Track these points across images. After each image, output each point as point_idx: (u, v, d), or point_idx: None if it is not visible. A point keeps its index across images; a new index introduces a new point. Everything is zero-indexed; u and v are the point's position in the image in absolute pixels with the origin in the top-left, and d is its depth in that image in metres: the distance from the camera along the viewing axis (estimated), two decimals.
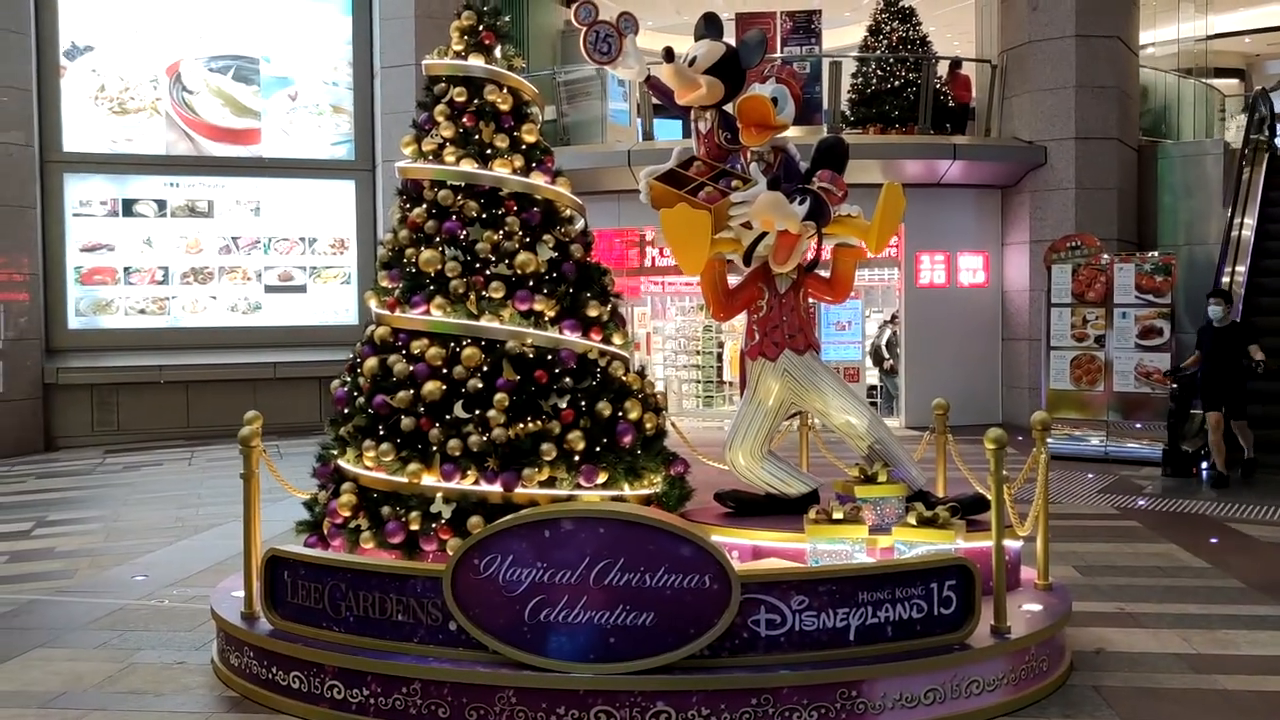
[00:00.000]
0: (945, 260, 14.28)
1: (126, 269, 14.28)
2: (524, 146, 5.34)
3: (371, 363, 5.07)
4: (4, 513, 9.20)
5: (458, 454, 4.79)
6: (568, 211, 5.44)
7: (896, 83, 14.48)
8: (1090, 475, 10.33)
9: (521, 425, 4.85)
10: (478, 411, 4.84)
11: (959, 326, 14.27)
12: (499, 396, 4.81)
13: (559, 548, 4.06)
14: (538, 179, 5.30)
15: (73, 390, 13.65)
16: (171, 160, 14.47)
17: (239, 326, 14.63)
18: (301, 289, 14.94)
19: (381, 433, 4.93)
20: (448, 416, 4.86)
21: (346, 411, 5.16)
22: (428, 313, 5.04)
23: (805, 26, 14.82)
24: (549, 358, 5.00)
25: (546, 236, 5.22)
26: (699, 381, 16.86)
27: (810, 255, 5.19)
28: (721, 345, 16.48)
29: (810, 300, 5.48)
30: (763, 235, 5.12)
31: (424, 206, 5.22)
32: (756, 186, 5.10)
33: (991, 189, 14.37)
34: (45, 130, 13.83)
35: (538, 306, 5.05)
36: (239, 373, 14.08)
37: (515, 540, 4.09)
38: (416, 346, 5.01)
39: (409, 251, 5.21)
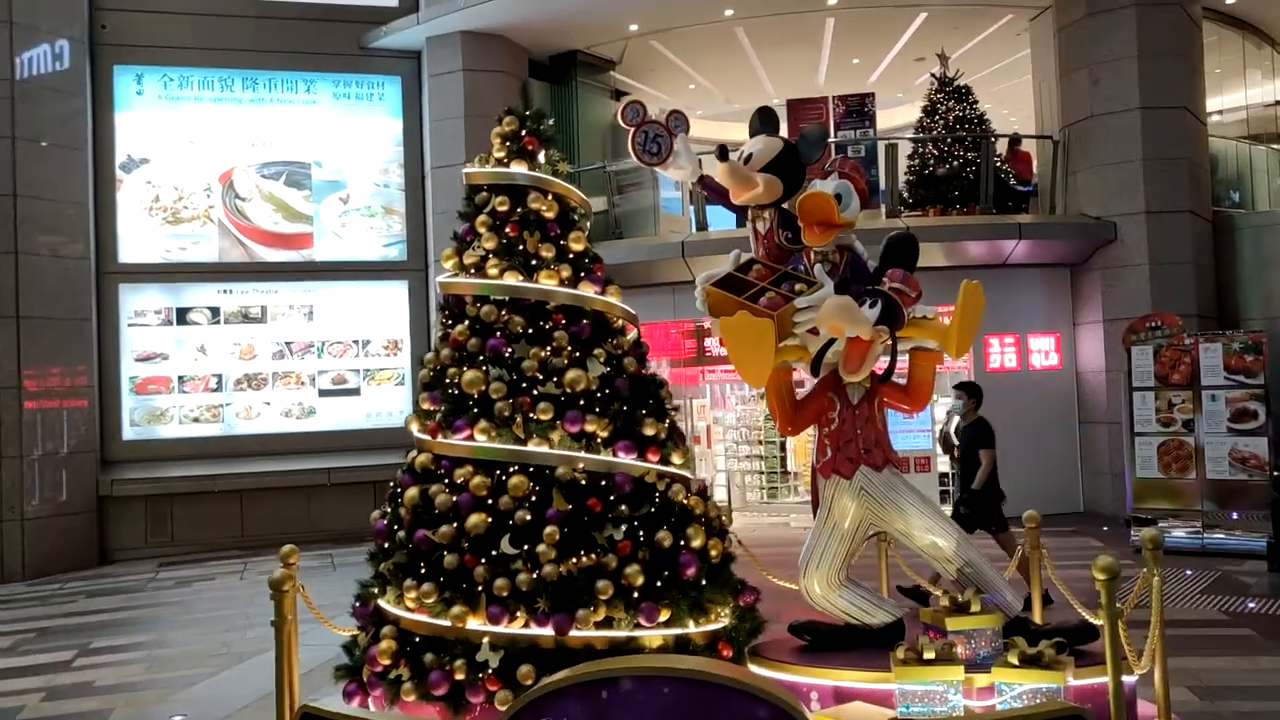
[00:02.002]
0: (1015, 343, 13.74)
1: (180, 378, 14.21)
2: (571, 255, 5.01)
3: (412, 493, 4.71)
4: (49, 639, 8.92)
5: (505, 594, 4.38)
6: (619, 322, 5.08)
7: (955, 162, 14.11)
8: (1189, 571, 9.62)
9: (574, 560, 4.42)
10: (526, 546, 4.43)
11: (1033, 411, 13.63)
12: (549, 529, 4.40)
13: (618, 710, 3.60)
14: (587, 289, 4.96)
15: (127, 502, 13.50)
16: (225, 268, 14.48)
17: (293, 432, 14.45)
18: (355, 391, 14.78)
19: (423, 570, 4.53)
20: (494, 552, 4.46)
21: (387, 546, 4.79)
22: (471, 438, 4.68)
23: (858, 110, 14.59)
24: (603, 483, 4.59)
25: (597, 350, 4.85)
26: (762, 473, 16.36)
27: (884, 363, 4.75)
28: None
29: (887, 411, 5.03)
30: (831, 342, 4.72)
31: (466, 323, 4.89)
32: (823, 290, 4.71)
33: (1060, 267, 13.86)
34: (101, 242, 13.92)
35: (590, 427, 4.67)
36: (293, 480, 13.82)
37: (569, 702, 3.64)
38: (460, 475, 4.64)
39: (451, 371, 4.87)
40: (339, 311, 14.75)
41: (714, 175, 5.20)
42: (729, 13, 14.18)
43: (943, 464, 15.17)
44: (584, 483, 4.56)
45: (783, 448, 16.20)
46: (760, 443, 16.35)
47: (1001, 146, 14.79)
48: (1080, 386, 13.78)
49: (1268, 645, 7.01)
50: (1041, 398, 13.71)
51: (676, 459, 4.88)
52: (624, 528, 4.52)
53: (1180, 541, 10.55)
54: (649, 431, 4.78)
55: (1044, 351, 13.80)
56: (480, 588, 4.43)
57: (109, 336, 13.92)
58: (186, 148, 14.42)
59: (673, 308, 13.90)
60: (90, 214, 13.72)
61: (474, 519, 4.49)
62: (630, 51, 15.50)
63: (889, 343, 4.68)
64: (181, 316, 14.29)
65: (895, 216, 13.64)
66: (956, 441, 14.90)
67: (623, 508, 4.55)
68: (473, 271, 4.96)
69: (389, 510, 4.89)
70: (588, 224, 5.23)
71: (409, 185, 15.17)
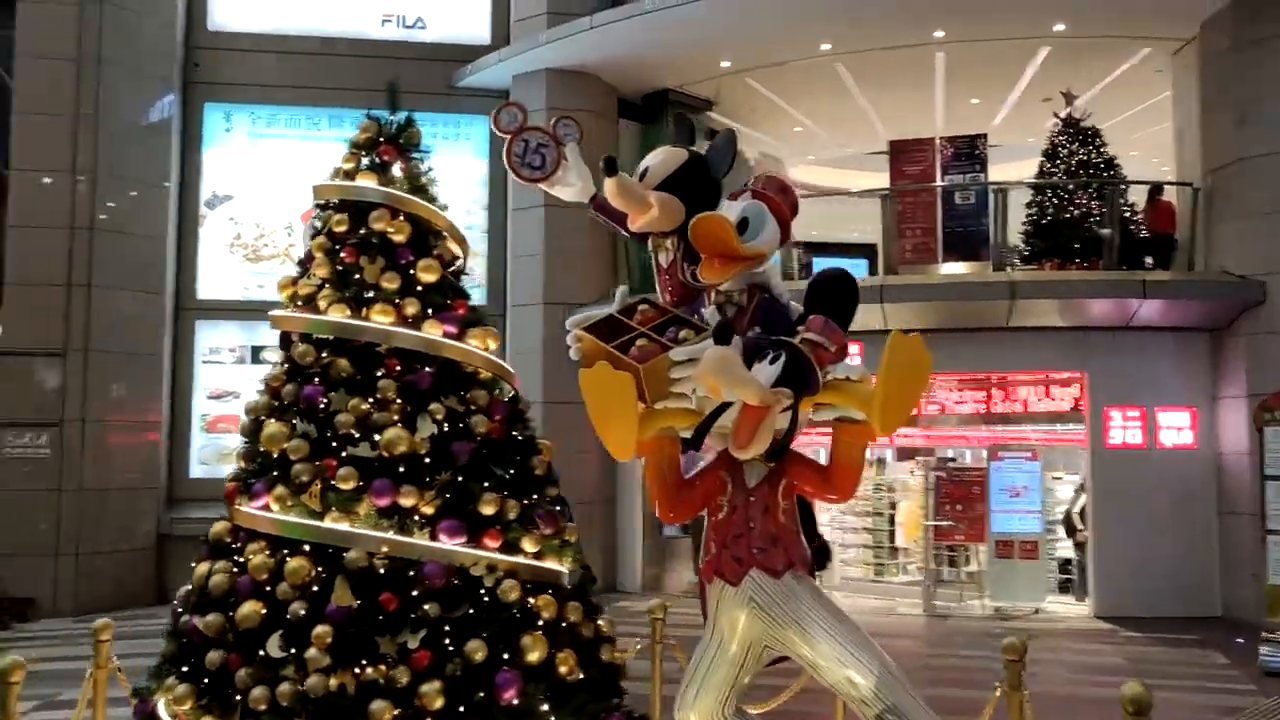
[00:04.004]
0: (1140, 417, 12.00)
1: None
2: (419, 288, 4.11)
3: (201, 569, 3.90)
4: (29, 685, 8.45)
5: (263, 708, 3.47)
6: (482, 374, 4.13)
7: (1077, 211, 12.59)
8: None
9: (355, 671, 3.48)
10: (293, 650, 3.52)
11: (1162, 495, 11.86)
12: (319, 629, 3.48)
13: None
14: (433, 331, 4.05)
15: (187, 541, 13.20)
16: None
17: None
18: None
19: (187, 668, 3.68)
20: (261, 653, 3.57)
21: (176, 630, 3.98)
22: (267, 507, 3.82)
23: (968, 153, 13.25)
24: (411, 574, 3.64)
25: (435, 406, 3.92)
26: (869, 546, 14.89)
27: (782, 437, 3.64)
28: (894, 506, 14.57)
29: (794, 497, 3.89)
30: (725, 406, 3.64)
31: (285, 366, 4.06)
32: (708, 339, 3.66)
33: (1197, 332, 12.08)
34: (182, 278, 13.88)
35: (406, 501, 3.73)
36: None
37: None
38: (250, 551, 3.78)
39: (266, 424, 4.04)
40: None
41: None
42: (825, 47, 13.13)
43: (1064, 548, 13.56)
44: (383, 572, 3.62)
45: (892, 521, 14.75)
46: (868, 514, 14.92)
47: (1136, 196, 13.15)
48: (1221, 471, 11.91)
49: None
50: (1172, 482, 11.91)
51: (527, 545, 3.88)
52: (423, 634, 3.55)
53: None
54: (487, 510, 3.80)
55: (1176, 428, 12.01)
56: (240, 696, 3.54)
57: (183, 373, 13.83)
58: (270, 185, 14.31)
59: None
60: (171, 250, 13.70)
61: (246, 608, 3.62)
62: (726, 90, 14.63)
63: (789, 410, 3.57)
64: (255, 355, 14.08)
65: (1003, 269, 12.22)
66: (1080, 525, 13.28)
67: (426, 608, 3.58)
68: (301, 304, 4.13)
69: (190, 587, 4.08)
70: (458, 255, 4.32)
71: (492, 227, 14.65)
